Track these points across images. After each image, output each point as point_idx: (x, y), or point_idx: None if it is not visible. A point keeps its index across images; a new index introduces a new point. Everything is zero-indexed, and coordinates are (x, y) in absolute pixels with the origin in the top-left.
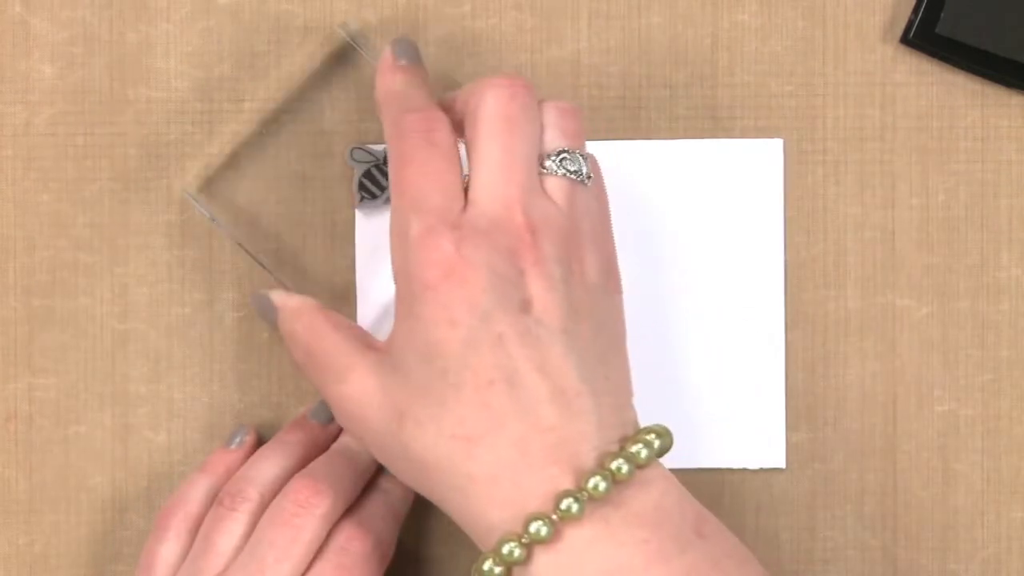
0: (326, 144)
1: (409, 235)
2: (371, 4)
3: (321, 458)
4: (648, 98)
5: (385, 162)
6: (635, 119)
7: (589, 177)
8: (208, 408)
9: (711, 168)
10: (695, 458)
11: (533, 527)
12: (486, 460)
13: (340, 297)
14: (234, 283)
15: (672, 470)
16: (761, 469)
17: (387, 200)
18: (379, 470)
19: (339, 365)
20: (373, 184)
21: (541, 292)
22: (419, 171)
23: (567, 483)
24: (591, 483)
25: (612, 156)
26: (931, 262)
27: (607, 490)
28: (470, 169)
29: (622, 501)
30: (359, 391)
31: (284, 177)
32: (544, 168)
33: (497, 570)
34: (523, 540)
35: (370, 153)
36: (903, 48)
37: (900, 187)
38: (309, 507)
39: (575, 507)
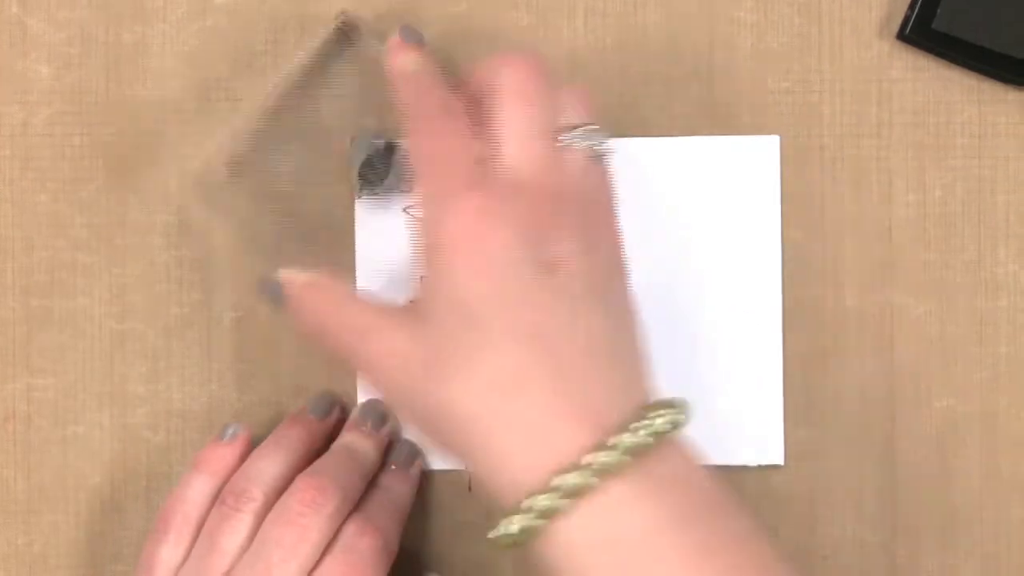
0: (325, 139)
1: (436, 195)
2: (368, 3)
3: (324, 457)
4: (645, 95)
5: (386, 151)
6: (632, 116)
7: (604, 156)
8: (207, 408)
9: (708, 165)
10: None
11: (556, 481)
12: (511, 416)
13: None
14: (233, 283)
15: None
16: (760, 466)
17: (388, 190)
18: (381, 469)
19: (362, 326)
20: (373, 174)
21: (566, 255)
22: (442, 139)
23: (590, 441)
24: (615, 441)
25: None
26: (928, 259)
27: (631, 450)
28: (491, 139)
29: (644, 466)
30: (386, 347)
31: (284, 176)
32: (564, 139)
33: (519, 526)
34: (545, 498)
35: (370, 143)
36: (899, 44)
37: (897, 183)
38: (315, 506)
39: (596, 467)
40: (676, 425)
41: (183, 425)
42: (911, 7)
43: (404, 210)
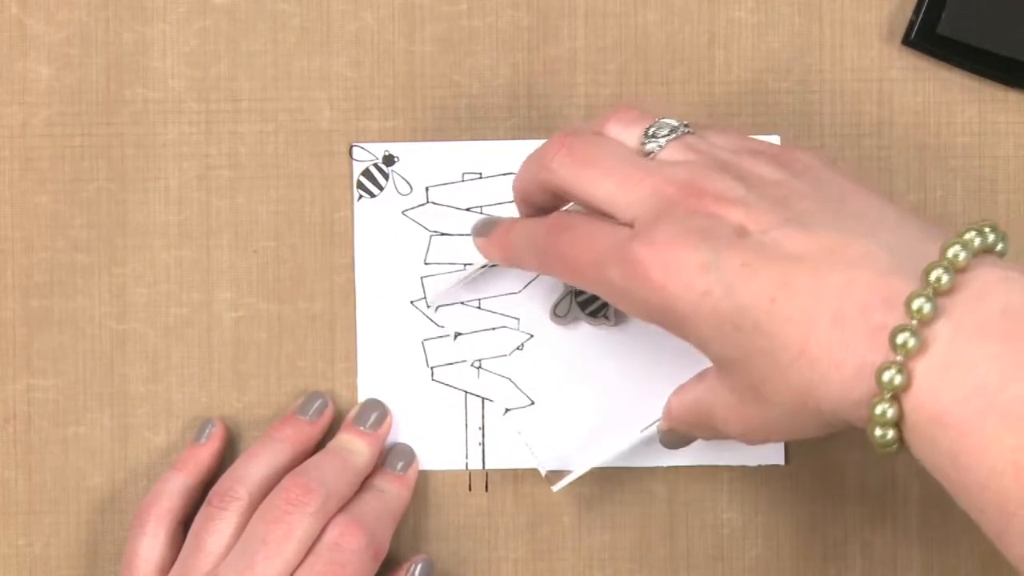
0: (326, 143)
1: (612, 260)
2: (368, 4)
3: (314, 457)
4: (645, 95)
5: (384, 161)
6: None
7: (686, 125)
8: (207, 408)
9: None
10: (695, 455)
11: (917, 304)
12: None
13: (340, 297)
14: (232, 283)
15: (672, 467)
16: (760, 466)
17: (386, 198)
18: (374, 471)
19: None
20: (371, 182)
21: (741, 215)
22: (580, 237)
23: (905, 291)
24: (933, 276)
25: None
26: None
27: (948, 285)
28: (606, 212)
29: (954, 313)
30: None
31: (284, 176)
32: (648, 151)
33: (889, 375)
34: (901, 329)
35: (369, 152)
36: (899, 44)
37: (898, 183)
38: (300, 505)
39: (927, 307)
40: (981, 250)
41: (183, 425)
42: (916, 12)
43: (403, 212)
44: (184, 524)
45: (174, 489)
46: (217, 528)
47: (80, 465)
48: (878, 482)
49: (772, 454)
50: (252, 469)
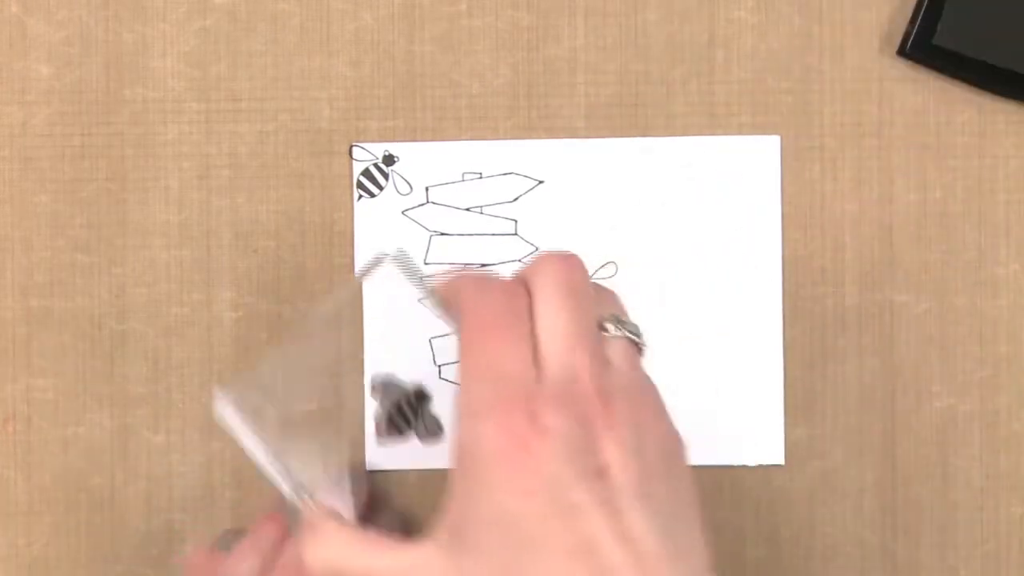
0: (326, 143)
1: (482, 405)
2: (368, 4)
3: None
4: (645, 95)
5: (384, 161)
6: (632, 116)
7: (645, 344)
8: (207, 408)
9: (708, 165)
10: (694, 455)
11: None
12: None
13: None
14: (232, 283)
15: None
16: (760, 466)
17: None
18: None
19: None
20: (371, 182)
21: (616, 458)
22: (497, 340)
23: None
24: None
25: (609, 154)
26: (929, 258)
27: None
28: (537, 339)
29: None
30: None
31: (284, 176)
32: (606, 330)
33: None
34: None
35: (369, 151)
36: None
37: (897, 183)
38: None
39: None
40: None
41: (183, 425)
42: (911, 23)
43: (403, 212)
44: None
45: None
46: None
47: (80, 465)
48: (878, 482)
49: (772, 454)
50: None
